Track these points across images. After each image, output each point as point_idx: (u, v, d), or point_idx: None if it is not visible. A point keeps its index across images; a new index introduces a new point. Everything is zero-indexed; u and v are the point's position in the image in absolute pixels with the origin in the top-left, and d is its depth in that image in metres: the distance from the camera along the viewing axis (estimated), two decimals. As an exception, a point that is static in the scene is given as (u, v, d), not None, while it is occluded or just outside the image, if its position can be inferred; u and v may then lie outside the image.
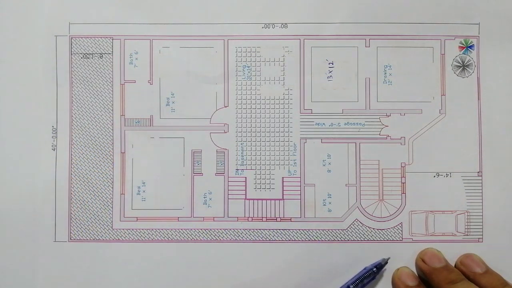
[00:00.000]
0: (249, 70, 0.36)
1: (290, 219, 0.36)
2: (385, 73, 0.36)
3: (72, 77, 0.36)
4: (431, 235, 0.36)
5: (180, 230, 0.36)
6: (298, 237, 0.36)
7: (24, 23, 0.36)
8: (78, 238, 0.36)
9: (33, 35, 0.36)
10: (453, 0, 0.36)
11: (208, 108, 0.36)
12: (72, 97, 0.36)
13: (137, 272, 0.36)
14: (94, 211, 0.36)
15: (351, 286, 0.34)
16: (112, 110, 0.36)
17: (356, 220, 0.36)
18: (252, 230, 0.36)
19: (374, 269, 0.34)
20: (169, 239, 0.36)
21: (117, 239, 0.36)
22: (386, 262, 0.35)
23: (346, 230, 0.36)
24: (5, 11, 0.36)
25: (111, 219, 0.36)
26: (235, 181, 0.36)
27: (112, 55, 0.36)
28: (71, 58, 0.36)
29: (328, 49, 0.36)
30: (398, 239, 0.36)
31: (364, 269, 0.35)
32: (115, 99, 0.36)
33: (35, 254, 0.36)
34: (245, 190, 0.36)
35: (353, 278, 0.34)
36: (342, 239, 0.36)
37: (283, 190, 0.36)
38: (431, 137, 0.36)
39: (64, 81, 0.36)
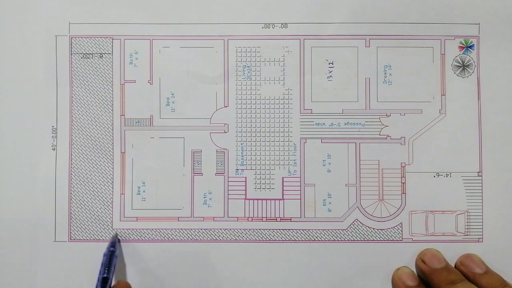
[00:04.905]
0: (249, 70, 0.36)
1: (290, 219, 0.36)
2: (385, 73, 0.36)
3: (72, 77, 0.36)
4: (431, 235, 0.36)
5: (180, 230, 0.36)
6: (298, 237, 0.36)
7: (24, 23, 0.36)
8: (78, 238, 0.36)
9: (33, 35, 0.36)
10: (453, 0, 0.36)
11: (208, 108, 0.36)
12: (72, 97, 0.36)
13: (137, 272, 0.36)
14: (94, 211, 0.36)
15: (106, 275, 0.32)
16: (112, 110, 0.36)
17: (356, 220, 0.36)
18: (252, 230, 0.36)
19: (112, 248, 0.34)
20: (169, 239, 0.36)
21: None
22: (116, 235, 0.35)
23: (346, 230, 0.36)
24: (5, 11, 0.36)
25: (111, 219, 0.36)
26: (235, 181, 0.36)
27: (112, 55, 0.36)
28: (71, 58, 0.36)
29: (328, 49, 0.36)
30: (398, 239, 0.36)
31: (105, 255, 0.34)
32: (115, 99, 0.36)
33: (35, 254, 0.36)
34: (245, 190, 0.36)
35: (101, 268, 0.33)
36: (342, 239, 0.36)
37: (283, 190, 0.36)
38: (431, 137, 0.36)
39: (64, 81, 0.36)
